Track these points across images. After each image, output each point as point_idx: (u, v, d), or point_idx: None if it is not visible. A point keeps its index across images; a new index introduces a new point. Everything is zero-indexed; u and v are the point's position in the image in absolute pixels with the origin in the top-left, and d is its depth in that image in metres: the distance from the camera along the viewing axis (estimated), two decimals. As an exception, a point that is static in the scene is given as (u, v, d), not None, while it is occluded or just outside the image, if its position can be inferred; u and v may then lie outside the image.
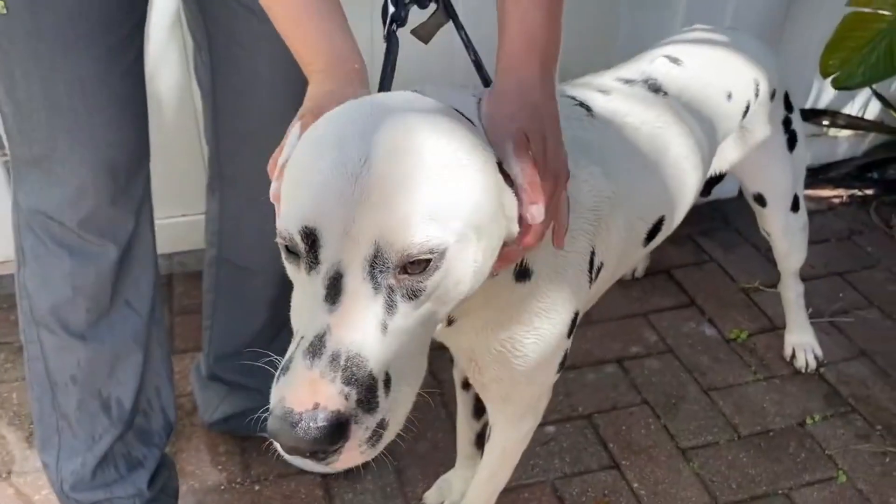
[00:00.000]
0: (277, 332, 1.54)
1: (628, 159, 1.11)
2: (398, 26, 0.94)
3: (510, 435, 1.17)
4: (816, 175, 2.59)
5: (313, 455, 0.66)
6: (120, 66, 1.09)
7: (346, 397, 0.66)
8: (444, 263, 0.70)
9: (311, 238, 0.69)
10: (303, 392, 0.66)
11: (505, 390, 1.06)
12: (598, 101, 1.13)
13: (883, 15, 1.86)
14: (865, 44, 1.89)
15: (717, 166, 1.49)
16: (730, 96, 1.34)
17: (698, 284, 2.15)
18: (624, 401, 1.78)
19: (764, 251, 2.27)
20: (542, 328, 0.96)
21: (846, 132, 2.60)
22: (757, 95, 1.40)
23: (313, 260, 0.70)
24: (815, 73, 2.38)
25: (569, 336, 1.02)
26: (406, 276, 0.69)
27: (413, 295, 0.70)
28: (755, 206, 1.63)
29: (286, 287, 1.45)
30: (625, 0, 2.07)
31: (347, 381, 0.66)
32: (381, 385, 0.68)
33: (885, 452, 1.65)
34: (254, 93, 1.25)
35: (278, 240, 0.73)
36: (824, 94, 2.50)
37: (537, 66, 0.82)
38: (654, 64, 1.28)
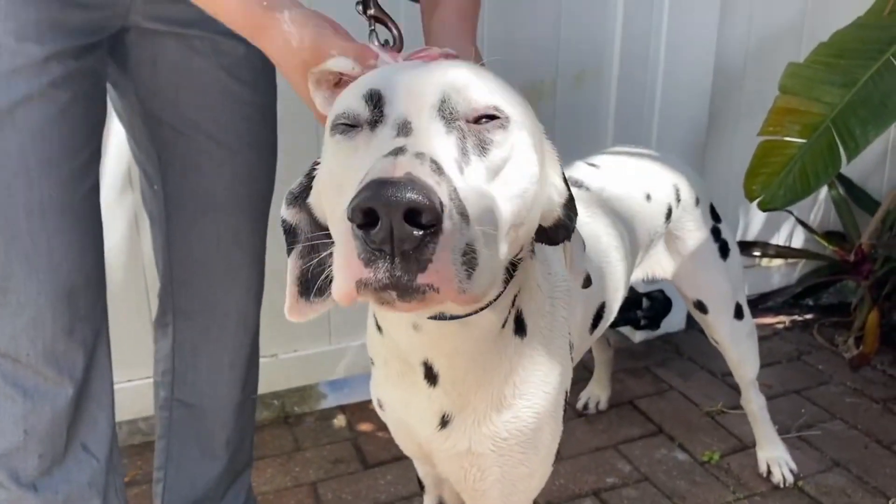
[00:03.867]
0: (234, 478, 1.44)
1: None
2: None
3: None
4: (756, 305, 2.68)
5: (406, 229, 0.57)
6: (80, 190, 1.09)
7: (438, 183, 0.60)
8: (509, 132, 0.72)
9: (374, 97, 0.71)
10: (390, 167, 0.60)
11: (507, 490, 0.99)
12: None
13: (792, 142, 2.03)
14: (781, 168, 2.03)
15: (652, 271, 1.53)
16: (649, 197, 1.40)
17: (663, 412, 2.13)
18: (606, 532, 1.68)
19: (720, 376, 2.28)
20: (540, 403, 0.93)
21: (778, 261, 2.73)
22: (679, 200, 1.47)
23: (378, 115, 0.71)
24: (740, 206, 2.55)
25: (562, 418, 0.99)
26: (474, 124, 0.70)
27: (483, 146, 0.70)
28: (698, 315, 1.65)
29: (241, 427, 1.40)
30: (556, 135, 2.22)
31: (436, 173, 0.62)
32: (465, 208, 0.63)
33: (881, 559, 1.59)
34: (211, 218, 1.25)
35: (335, 121, 0.74)
36: (752, 226, 2.65)
37: (470, 39, 0.92)
38: (572, 167, 1.36)
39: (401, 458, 1.84)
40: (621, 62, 2.30)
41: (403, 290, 0.60)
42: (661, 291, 2.41)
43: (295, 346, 2.13)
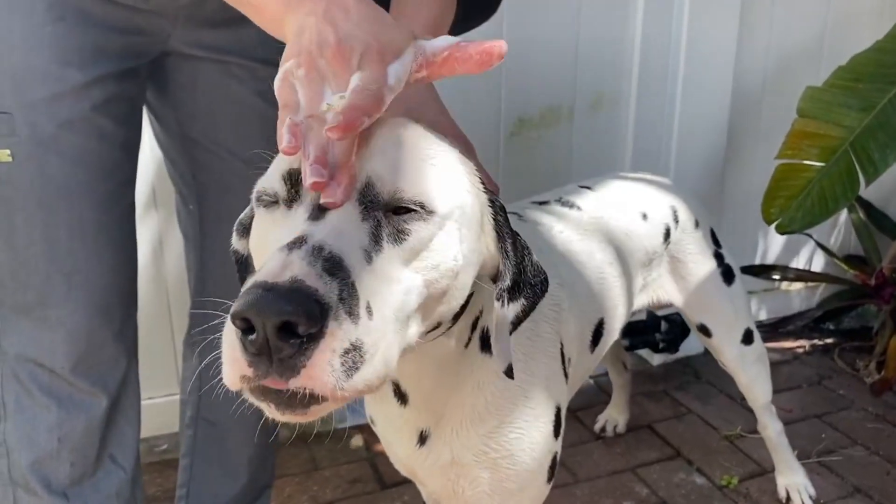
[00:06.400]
0: (255, 498, 1.45)
1: (562, 259, 1.15)
2: None
3: None
4: (776, 329, 2.66)
5: (280, 342, 0.55)
6: (116, 211, 1.12)
7: (326, 284, 0.58)
8: (431, 224, 0.68)
9: (294, 177, 0.68)
10: (278, 268, 0.58)
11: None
12: (525, 210, 1.20)
13: (810, 165, 2.03)
14: (800, 191, 2.03)
15: (657, 296, 1.52)
16: (645, 216, 1.39)
17: (681, 436, 2.12)
18: (623, 556, 1.67)
19: (739, 399, 2.26)
20: (521, 418, 0.94)
21: (798, 285, 2.71)
22: (677, 221, 1.46)
23: (294, 195, 0.68)
24: (759, 229, 2.55)
25: (556, 436, 0.99)
26: (393, 215, 0.67)
27: (398, 237, 0.67)
28: (703, 339, 1.63)
29: (263, 446, 1.42)
30: (573, 169, 2.24)
31: (329, 272, 0.59)
32: (362, 303, 0.60)
33: (903, 588, 1.56)
34: None
35: (252, 196, 0.72)
36: (771, 250, 2.64)
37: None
38: (565, 189, 1.37)
39: (417, 479, 1.85)
40: (639, 86, 2.32)
41: (279, 398, 0.59)
42: (679, 314, 2.40)
43: (314, 366, 2.14)
